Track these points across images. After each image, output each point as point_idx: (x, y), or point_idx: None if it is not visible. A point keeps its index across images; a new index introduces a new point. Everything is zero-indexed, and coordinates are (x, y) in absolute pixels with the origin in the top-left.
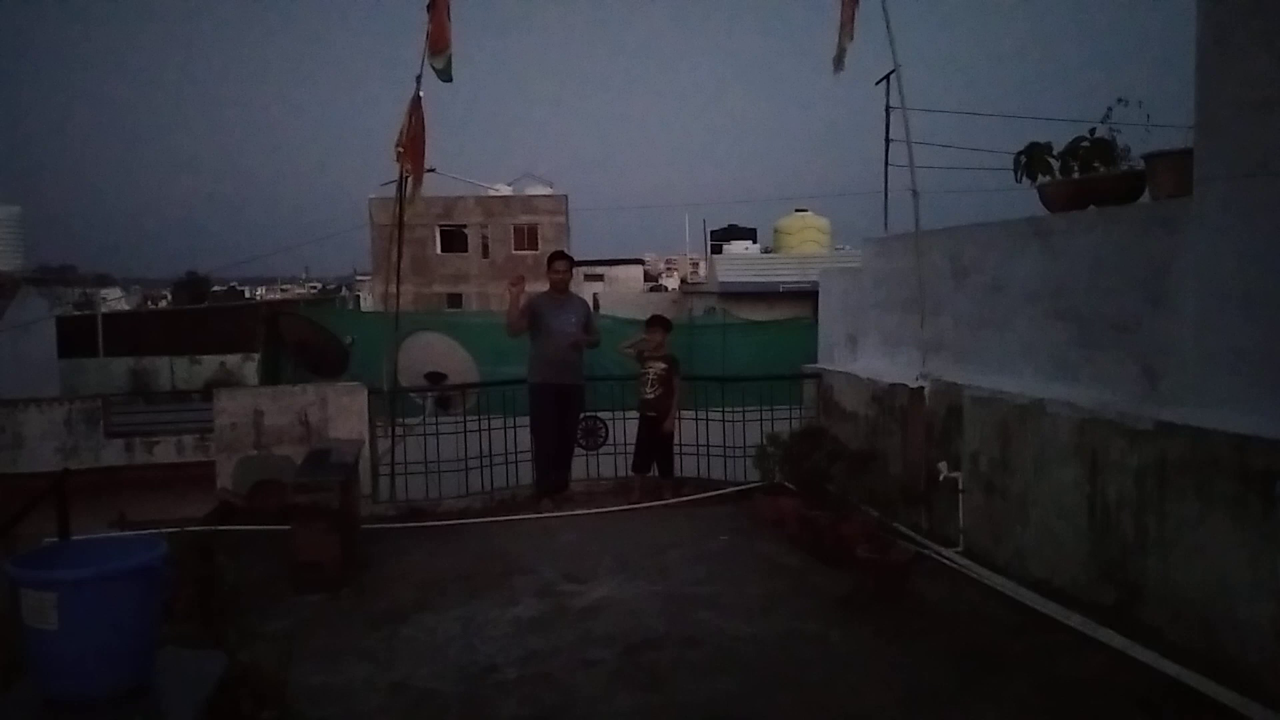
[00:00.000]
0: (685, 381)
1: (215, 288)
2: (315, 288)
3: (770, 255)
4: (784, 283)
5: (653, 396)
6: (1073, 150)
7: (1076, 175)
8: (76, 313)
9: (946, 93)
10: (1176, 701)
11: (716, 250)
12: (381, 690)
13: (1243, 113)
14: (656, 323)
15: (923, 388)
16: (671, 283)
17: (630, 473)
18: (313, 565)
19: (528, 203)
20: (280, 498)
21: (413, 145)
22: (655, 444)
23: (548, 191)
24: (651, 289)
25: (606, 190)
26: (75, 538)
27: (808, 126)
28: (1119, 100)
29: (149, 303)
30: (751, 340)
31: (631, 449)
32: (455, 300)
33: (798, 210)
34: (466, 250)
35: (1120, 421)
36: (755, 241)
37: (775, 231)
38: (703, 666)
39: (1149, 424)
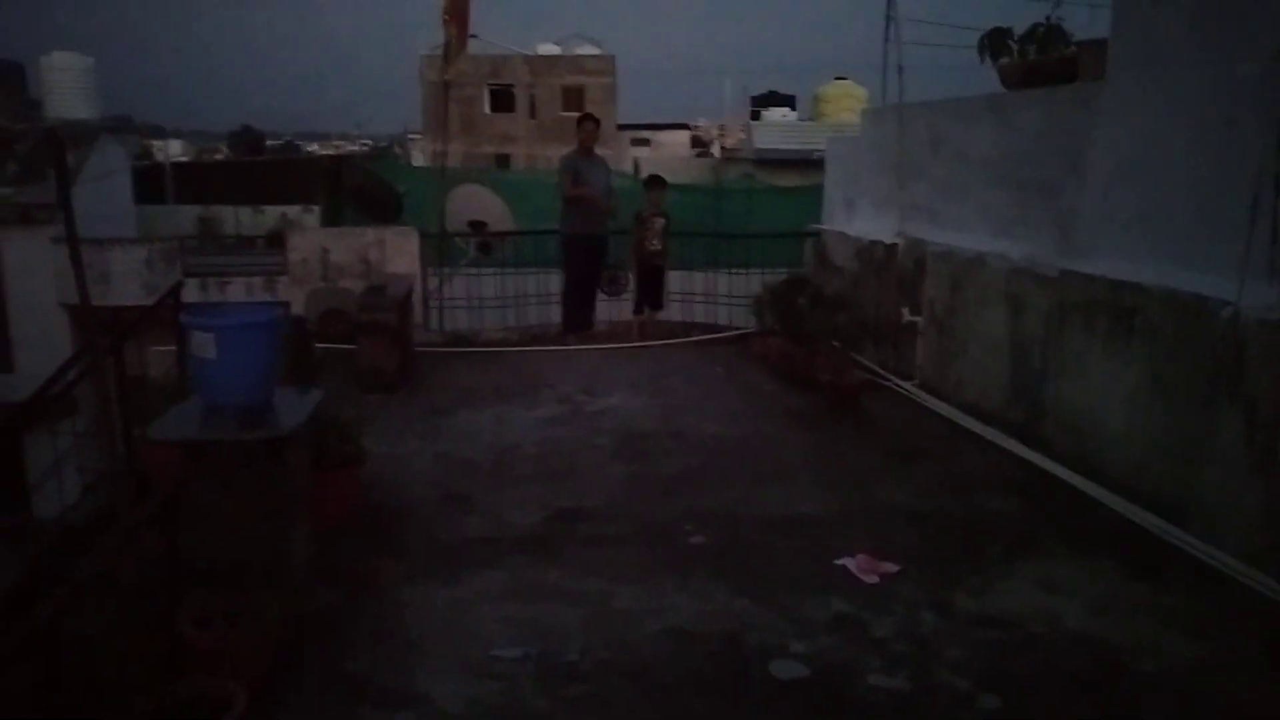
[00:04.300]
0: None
1: (270, 142)
2: (367, 145)
3: (806, 123)
4: (819, 150)
5: (658, 249)
6: (1031, 34)
7: (1030, 58)
8: (138, 163)
9: None
10: (1042, 485)
11: (756, 117)
12: (429, 456)
13: (1146, 7)
14: (654, 182)
15: (896, 244)
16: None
17: (634, 314)
18: (375, 371)
19: (575, 63)
20: (345, 325)
21: (457, 13)
22: (653, 287)
23: (596, 52)
24: (699, 155)
25: (655, 55)
26: (222, 301)
27: None
28: None
29: (203, 155)
30: (776, 205)
31: None
32: (504, 161)
33: (837, 79)
34: (515, 110)
35: (1036, 270)
36: (794, 109)
37: (815, 99)
38: (679, 451)
39: (1055, 272)
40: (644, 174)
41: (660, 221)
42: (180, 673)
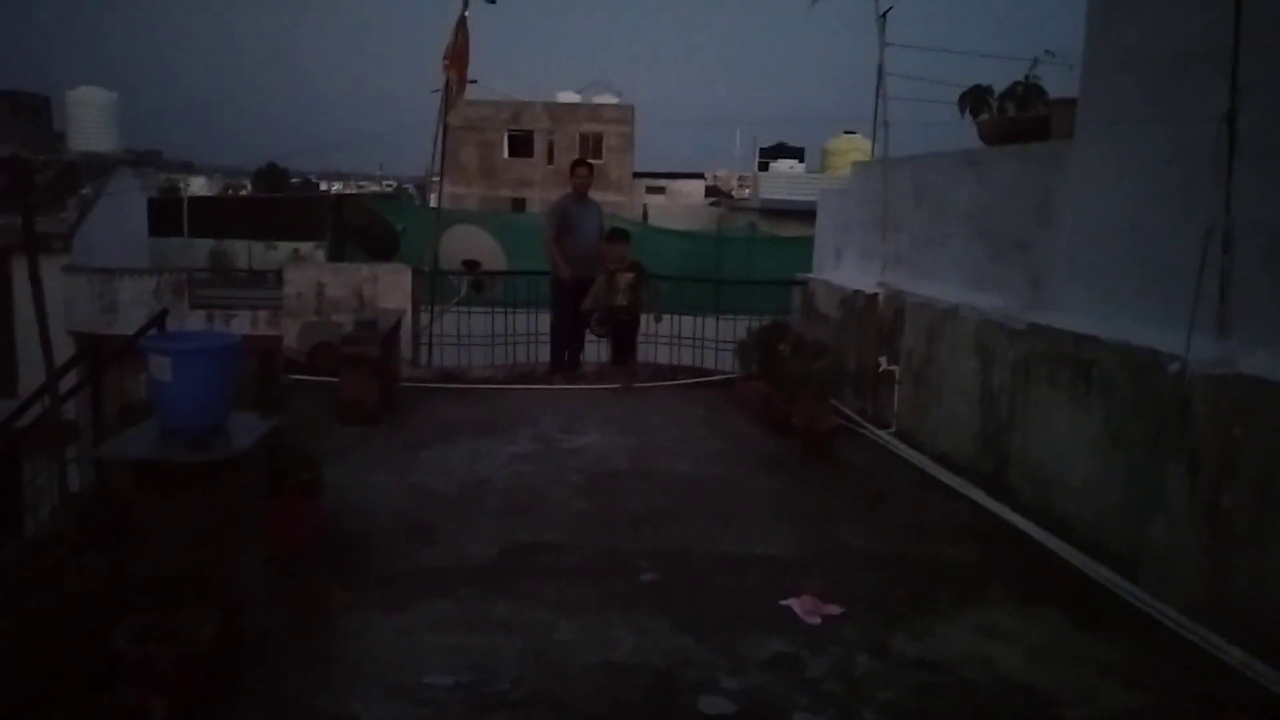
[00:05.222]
0: (655, 282)
1: (293, 179)
2: (391, 185)
3: (812, 175)
4: None
5: (625, 304)
6: (1010, 92)
7: (1009, 115)
8: (161, 196)
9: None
10: (1002, 536)
11: (764, 168)
12: (399, 488)
13: (1110, 69)
14: (615, 236)
15: (877, 294)
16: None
17: (613, 364)
18: (355, 404)
19: (594, 111)
20: (334, 357)
21: (458, 58)
22: (624, 338)
23: (615, 101)
24: (712, 203)
25: (675, 104)
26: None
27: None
28: (1046, 51)
29: (229, 190)
30: (776, 253)
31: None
32: (520, 204)
33: (846, 133)
34: (533, 155)
35: (1005, 323)
36: (802, 161)
37: (823, 153)
38: (646, 490)
39: (1023, 325)
40: (652, 220)
41: (627, 277)
42: (113, 687)
